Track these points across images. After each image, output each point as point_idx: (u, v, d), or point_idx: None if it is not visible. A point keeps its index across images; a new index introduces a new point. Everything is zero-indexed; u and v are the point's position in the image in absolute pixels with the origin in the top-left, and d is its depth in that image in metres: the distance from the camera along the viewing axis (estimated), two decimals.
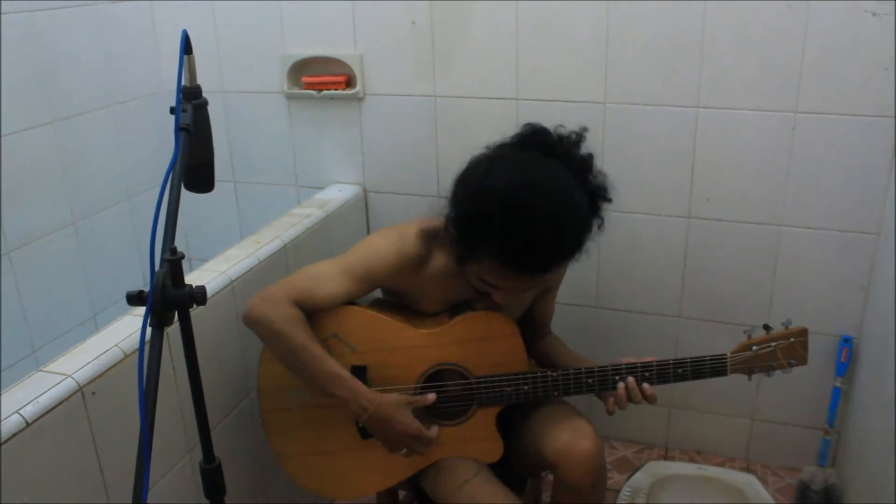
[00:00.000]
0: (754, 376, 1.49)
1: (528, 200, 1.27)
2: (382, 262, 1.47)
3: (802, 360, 1.48)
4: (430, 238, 1.48)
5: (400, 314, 1.53)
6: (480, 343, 1.49)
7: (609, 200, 1.42)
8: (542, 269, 1.32)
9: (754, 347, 1.47)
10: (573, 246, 1.33)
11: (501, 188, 1.28)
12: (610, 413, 1.49)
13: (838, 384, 2.00)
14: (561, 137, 1.41)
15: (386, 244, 1.48)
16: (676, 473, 2.10)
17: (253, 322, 1.44)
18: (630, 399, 1.47)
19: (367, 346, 1.49)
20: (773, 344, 1.47)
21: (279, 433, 1.56)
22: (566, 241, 1.31)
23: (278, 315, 1.41)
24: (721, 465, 2.21)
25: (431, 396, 1.48)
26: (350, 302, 1.51)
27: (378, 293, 1.63)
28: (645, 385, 1.47)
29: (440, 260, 1.48)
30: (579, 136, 1.42)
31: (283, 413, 1.54)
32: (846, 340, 1.97)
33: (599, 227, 1.42)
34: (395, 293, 1.58)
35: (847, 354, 1.97)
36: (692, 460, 2.24)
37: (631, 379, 1.46)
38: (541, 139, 1.39)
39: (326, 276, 1.47)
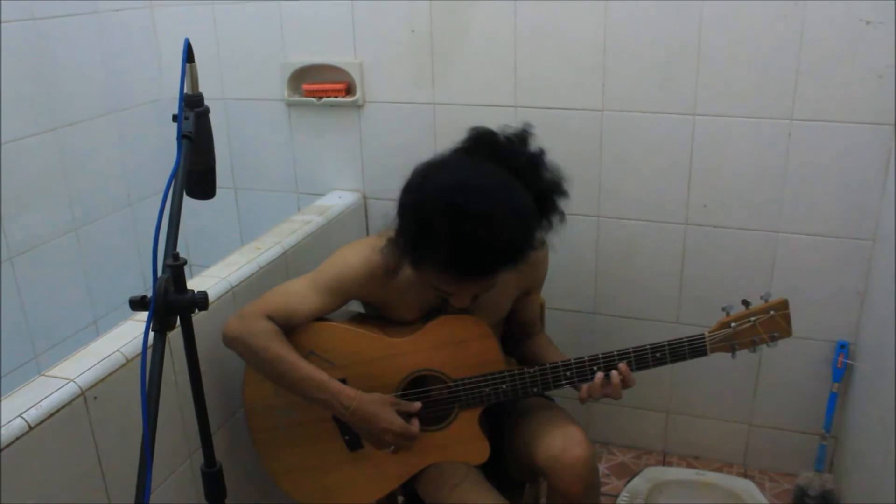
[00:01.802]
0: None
1: (460, 204, 1.24)
2: (352, 274, 1.48)
3: (786, 333, 1.44)
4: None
5: (375, 325, 1.53)
6: (454, 346, 1.49)
7: (563, 194, 1.40)
8: (485, 273, 1.30)
9: (733, 324, 1.44)
10: (514, 246, 1.28)
11: (435, 195, 1.27)
12: (582, 401, 1.47)
13: (835, 389, 2.01)
14: (508, 138, 1.41)
15: (354, 256, 1.49)
16: (674, 479, 2.11)
17: (230, 341, 1.46)
18: (608, 390, 1.45)
19: (345, 359, 1.50)
20: (753, 319, 1.44)
21: (269, 452, 1.57)
22: (503, 243, 1.26)
23: (252, 330, 1.43)
24: (719, 470, 2.22)
25: (417, 405, 1.48)
26: (325, 318, 1.52)
27: (360, 307, 1.63)
28: (621, 365, 1.44)
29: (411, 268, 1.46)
30: (525, 133, 1.41)
31: (272, 432, 1.55)
32: (842, 346, 1.98)
33: (561, 221, 1.40)
34: (371, 304, 1.58)
35: (843, 360, 1.98)
36: (690, 466, 2.25)
37: (616, 370, 1.45)
38: (486, 142, 1.39)
39: (299, 292, 1.49)
